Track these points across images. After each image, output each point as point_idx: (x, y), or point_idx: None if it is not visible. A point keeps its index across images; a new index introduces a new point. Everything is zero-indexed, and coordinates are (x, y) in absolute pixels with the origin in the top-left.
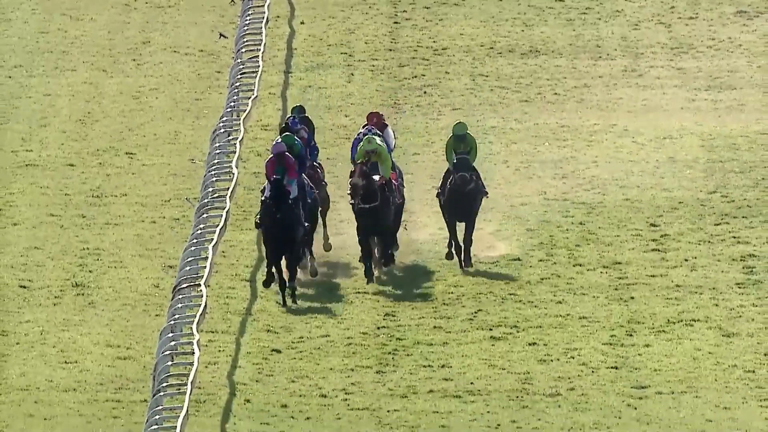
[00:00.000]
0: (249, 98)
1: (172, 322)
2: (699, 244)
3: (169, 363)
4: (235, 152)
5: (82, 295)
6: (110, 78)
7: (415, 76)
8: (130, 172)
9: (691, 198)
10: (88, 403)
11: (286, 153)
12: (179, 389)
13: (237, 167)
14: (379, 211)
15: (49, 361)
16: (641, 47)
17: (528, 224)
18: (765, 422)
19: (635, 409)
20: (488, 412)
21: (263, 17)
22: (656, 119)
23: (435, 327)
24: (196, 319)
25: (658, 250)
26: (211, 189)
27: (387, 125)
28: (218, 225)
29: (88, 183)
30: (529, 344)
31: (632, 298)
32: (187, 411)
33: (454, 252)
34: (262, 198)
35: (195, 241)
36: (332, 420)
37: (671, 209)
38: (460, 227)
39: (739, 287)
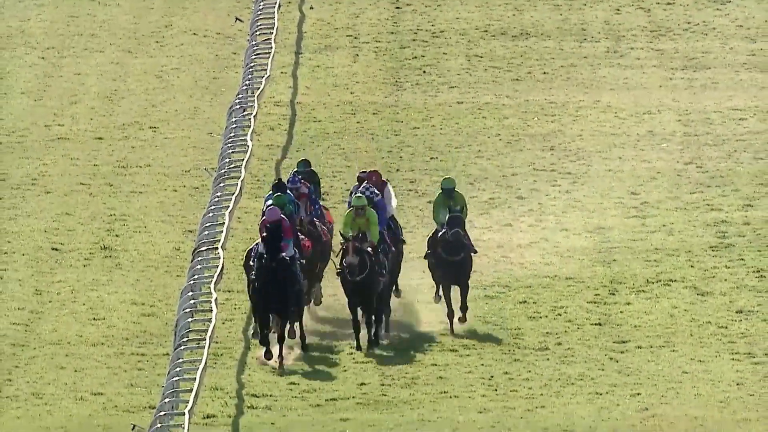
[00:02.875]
0: (263, 77)
1: (192, 282)
2: (676, 210)
3: (189, 319)
4: (250, 126)
5: (110, 257)
6: (135, 58)
7: (415, 57)
8: (153, 145)
9: (669, 168)
10: (115, 356)
11: (282, 217)
12: (198, 343)
13: (251, 140)
14: (366, 282)
15: (79, 318)
16: (623, 30)
17: (519, 192)
18: (736, 374)
19: (617, 362)
20: (482, 364)
21: (276, 3)
22: (636, 96)
23: (433, 286)
24: (214, 279)
25: (638, 217)
26: (227, 160)
27: (386, 183)
28: (234, 193)
29: (114, 155)
30: (520, 302)
31: (614, 260)
32: (206, 363)
33: (440, 296)
34: (250, 263)
35: (213, 207)
36: (339, 371)
37: (650, 179)
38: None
39: (713, 250)
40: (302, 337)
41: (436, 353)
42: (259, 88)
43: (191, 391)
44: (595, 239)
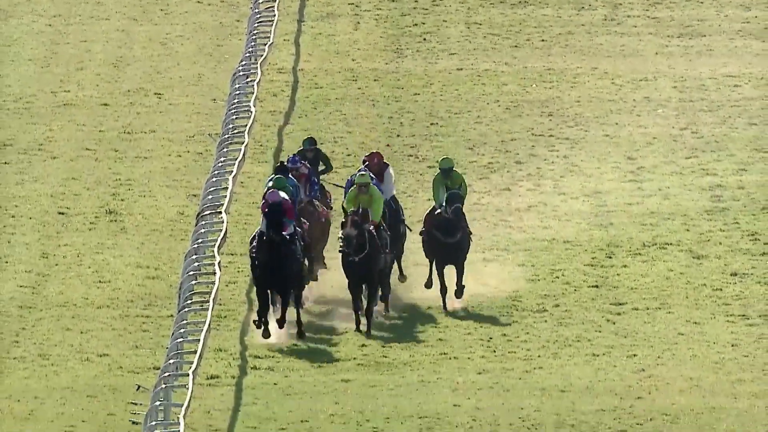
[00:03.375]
0: (266, 44)
1: (196, 246)
2: (671, 175)
3: (193, 282)
4: (253, 93)
5: (115, 221)
6: (140, 26)
7: (416, 24)
8: (158, 111)
9: (665, 134)
10: (120, 318)
11: (283, 199)
12: (202, 306)
13: (255, 106)
14: (369, 262)
15: (85, 281)
16: None
17: (517, 157)
18: (731, 335)
19: (613, 323)
20: (481, 326)
21: None
22: (633, 63)
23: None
24: (218, 243)
25: (635, 181)
26: (231, 126)
27: (388, 165)
28: (237, 158)
29: (120, 120)
30: (518, 265)
31: (611, 223)
32: (210, 325)
33: (433, 280)
34: (252, 246)
35: (216, 172)
36: (340, 334)
37: (646, 144)
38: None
39: (708, 214)
40: (299, 322)
41: (436, 315)
42: (262, 55)
43: (195, 352)
44: (593, 203)
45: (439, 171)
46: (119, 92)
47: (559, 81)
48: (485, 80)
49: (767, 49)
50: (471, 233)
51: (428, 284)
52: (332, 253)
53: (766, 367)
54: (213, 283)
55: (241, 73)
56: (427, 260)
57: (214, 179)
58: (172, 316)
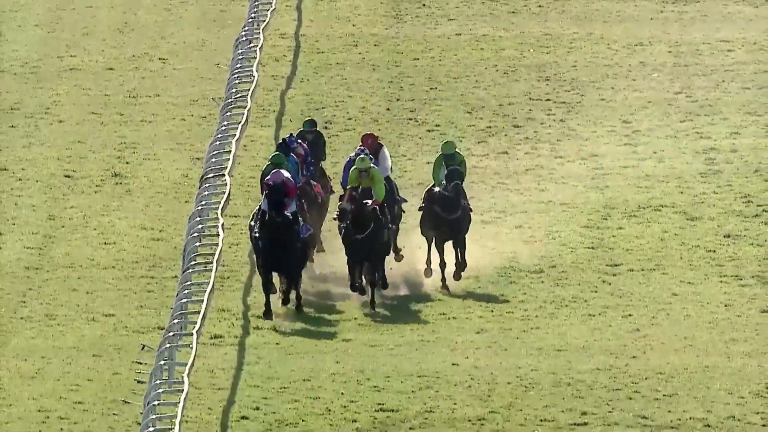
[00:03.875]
0: (268, 10)
1: (200, 208)
2: (666, 138)
3: (197, 244)
4: (255, 58)
5: (120, 184)
6: None
7: None
8: (162, 76)
9: (659, 98)
10: (125, 279)
11: (285, 179)
12: (206, 267)
13: (257, 71)
14: (371, 240)
15: (91, 242)
16: None
17: (515, 121)
18: (724, 296)
19: (609, 284)
20: (479, 287)
21: None
22: (628, 28)
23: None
24: (221, 205)
25: (630, 144)
26: (234, 90)
27: (382, 146)
28: (240, 122)
29: (125, 85)
30: (516, 227)
31: (607, 186)
32: (213, 286)
33: (433, 269)
34: (253, 222)
35: (220, 136)
36: (341, 295)
37: (642, 108)
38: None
39: (702, 177)
40: (297, 293)
41: (435, 276)
42: (264, 21)
43: (199, 312)
44: (589, 166)
45: (440, 154)
46: (124, 57)
47: (556, 46)
48: (483, 45)
49: (760, 15)
50: (471, 210)
51: (428, 273)
52: (329, 235)
53: (759, 327)
54: (216, 244)
55: (243, 39)
56: (426, 241)
57: (217, 143)
58: (176, 277)
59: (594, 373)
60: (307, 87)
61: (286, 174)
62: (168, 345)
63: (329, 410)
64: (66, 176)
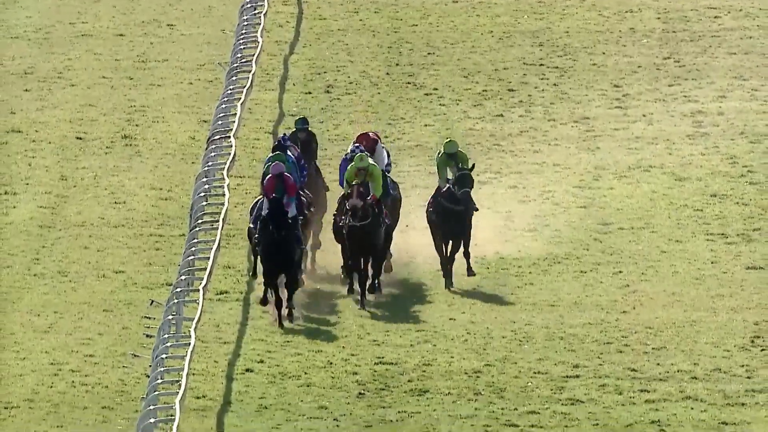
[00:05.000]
0: None
1: (206, 168)
2: (655, 102)
3: (204, 203)
4: (260, 24)
5: (130, 145)
6: None
7: None
8: (170, 41)
9: (649, 63)
10: (135, 237)
11: (285, 173)
12: (212, 225)
13: (261, 36)
14: (370, 230)
15: (102, 202)
16: None
17: (509, 85)
18: (711, 253)
19: (600, 242)
20: (475, 245)
21: None
22: None
23: (430, 173)
24: (227, 166)
25: (621, 107)
26: (239, 55)
27: (377, 141)
28: (246, 86)
29: (135, 50)
30: (510, 187)
31: (598, 148)
32: (219, 243)
33: (441, 262)
34: (253, 218)
35: (226, 99)
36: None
37: (632, 72)
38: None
39: (689, 138)
40: (290, 296)
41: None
42: None
43: (205, 269)
44: (581, 128)
45: (443, 153)
46: (134, 23)
47: (549, 12)
48: (479, 12)
49: None
50: (477, 209)
51: (447, 284)
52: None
53: (744, 283)
54: (222, 204)
55: (248, 6)
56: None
57: (223, 105)
58: (183, 235)
59: (586, 328)
60: (310, 52)
61: (284, 169)
62: (175, 300)
63: (330, 363)
64: (78, 138)
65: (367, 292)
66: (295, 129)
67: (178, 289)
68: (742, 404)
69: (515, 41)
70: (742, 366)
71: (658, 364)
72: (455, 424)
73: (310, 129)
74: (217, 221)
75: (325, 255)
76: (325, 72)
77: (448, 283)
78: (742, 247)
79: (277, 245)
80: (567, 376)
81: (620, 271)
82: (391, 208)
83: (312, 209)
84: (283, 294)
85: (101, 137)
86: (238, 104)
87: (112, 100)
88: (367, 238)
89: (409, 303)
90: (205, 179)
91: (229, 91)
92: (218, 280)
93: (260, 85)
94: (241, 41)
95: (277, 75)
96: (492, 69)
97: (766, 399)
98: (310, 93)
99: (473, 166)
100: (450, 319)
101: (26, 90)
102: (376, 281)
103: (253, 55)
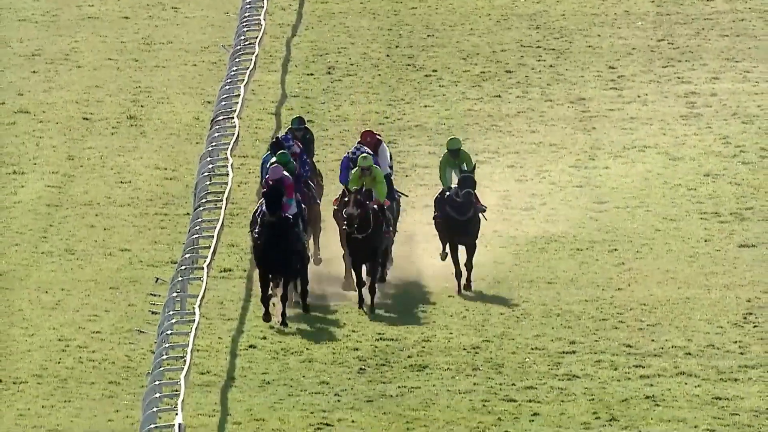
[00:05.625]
0: None
1: (210, 149)
2: (650, 83)
3: (208, 182)
4: (263, 7)
5: (135, 126)
6: None
7: None
8: (175, 23)
9: (643, 45)
10: (140, 215)
11: (285, 175)
12: (216, 204)
13: (264, 19)
14: (371, 240)
15: (108, 181)
16: None
17: (507, 67)
18: (704, 231)
19: (596, 221)
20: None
21: None
22: None
23: (430, 153)
24: (230, 146)
25: (616, 88)
26: (242, 37)
27: (381, 141)
28: (249, 68)
29: (140, 32)
30: (508, 167)
31: (594, 128)
32: (223, 222)
33: (455, 274)
34: (254, 222)
35: (229, 80)
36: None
37: (626, 54)
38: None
39: (683, 119)
40: (304, 294)
41: (431, 213)
42: None
43: (209, 247)
44: (577, 109)
45: (446, 151)
46: (139, 6)
47: None
48: None
49: None
50: (485, 209)
51: (443, 255)
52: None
53: (736, 261)
54: (226, 183)
55: None
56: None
57: (226, 87)
58: (188, 214)
59: (582, 304)
60: (312, 34)
61: (285, 171)
62: (180, 278)
63: (332, 339)
64: (84, 119)
65: (367, 293)
66: (291, 127)
67: (183, 267)
68: (735, 379)
69: (512, 24)
70: (735, 342)
71: (653, 340)
72: (454, 399)
73: (306, 127)
74: (221, 200)
75: (327, 234)
76: (326, 54)
77: (467, 287)
78: (734, 226)
79: (275, 236)
80: (563, 352)
81: (615, 249)
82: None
83: (319, 201)
84: (291, 291)
85: (107, 118)
86: (242, 85)
87: (117, 82)
88: (368, 247)
89: (408, 279)
90: (209, 159)
91: (233, 73)
92: (222, 258)
93: (263, 67)
94: (245, 24)
95: (280, 57)
96: (490, 51)
97: (759, 374)
98: (311, 74)
99: (475, 166)
100: (449, 296)
101: (34, 72)
102: (375, 286)
103: (256, 37)
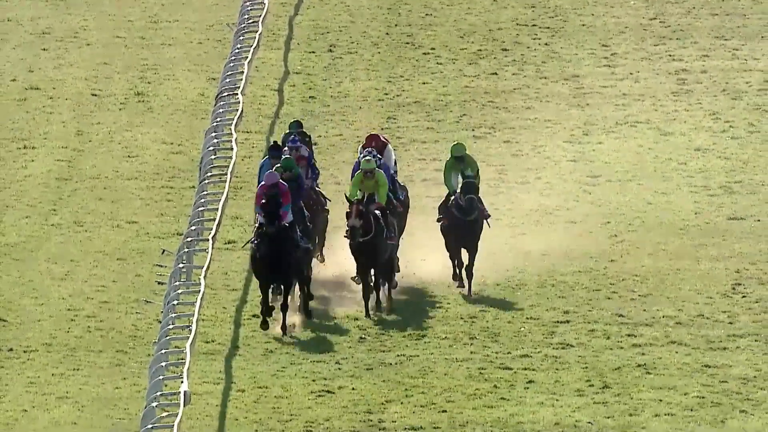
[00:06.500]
0: None
1: (215, 124)
2: (642, 60)
3: (213, 157)
4: None
5: (143, 102)
6: None
7: None
8: (181, 2)
9: (635, 23)
10: (147, 189)
11: (280, 181)
12: (221, 178)
13: None
14: (374, 244)
15: (116, 156)
16: None
17: (503, 45)
18: (694, 204)
19: (590, 194)
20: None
21: None
22: None
23: (428, 128)
24: (234, 121)
25: (609, 66)
26: (246, 16)
27: (387, 144)
28: (252, 45)
29: (147, 11)
30: (504, 142)
31: (587, 104)
32: (227, 195)
33: (459, 278)
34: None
35: (233, 58)
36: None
37: (619, 32)
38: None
39: (674, 95)
40: (308, 298)
41: (430, 186)
42: None
43: (214, 219)
44: (571, 86)
45: (451, 157)
46: None
47: None
48: None
49: None
50: (489, 216)
51: (455, 278)
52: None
53: (725, 233)
54: (230, 157)
55: None
56: (449, 255)
57: (231, 64)
58: (193, 187)
59: (575, 275)
60: (313, 13)
61: (279, 178)
62: (186, 249)
63: (332, 309)
64: (93, 95)
65: (377, 295)
66: (289, 131)
67: (189, 239)
68: (724, 348)
69: (508, 3)
70: (724, 312)
71: (645, 310)
72: (451, 367)
73: (304, 131)
74: (225, 174)
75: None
76: (327, 32)
77: (463, 287)
78: (724, 199)
79: (273, 246)
80: (558, 322)
81: (608, 222)
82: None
83: (327, 207)
84: (291, 300)
85: (115, 94)
86: (245, 63)
87: (125, 59)
88: (372, 252)
89: (407, 248)
90: (213, 134)
91: (237, 51)
92: (226, 230)
93: (266, 45)
94: (248, 3)
95: (282, 35)
96: (486, 29)
97: (747, 343)
98: (313, 52)
99: (478, 172)
100: (446, 267)
101: (44, 49)
102: (384, 297)
103: (260, 16)
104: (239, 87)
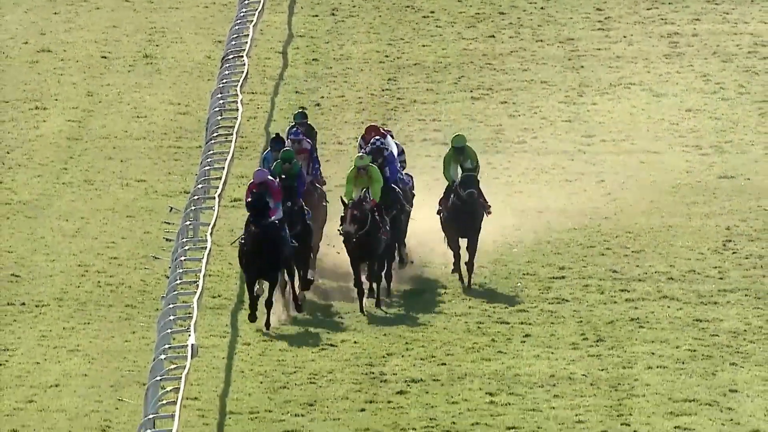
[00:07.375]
0: None
1: (221, 85)
2: (635, 24)
3: (219, 117)
4: None
5: (151, 64)
6: None
7: None
8: None
9: None
10: (155, 148)
11: (269, 179)
12: (226, 138)
13: None
14: (368, 240)
15: (125, 116)
16: None
17: (500, 8)
18: (686, 164)
19: (584, 153)
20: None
21: None
22: None
23: (427, 90)
24: (240, 83)
25: (603, 29)
26: None
27: (386, 134)
28: (258, 9)
29: None
30: (501, 102)
31: (582, 66)
32: (233, 155)
33: (459, 271)
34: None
35: (239, 21)
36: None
37: None
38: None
39: (666, 58)
40: (305, 289)
41: (430, 146)
42: None
43: (220, 178)
44: (566, 48)
45: (451, 148)
46: None
47: None
48: None
49: None
50: (489, 207)
51: (455, 271)
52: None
53: (716, 191)
54: (236, 118)
55: None
56: (450, 247)
57: (236, 27)
58: (200, 146)
59: (570, 233)
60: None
61: (268, 175)
62: (193, 207)
63: (335, 267)
64: (102, 57)
65: (377, 288)
66: (293, 122)
67: (195, 197)
68: (715, 303)
69: None
70: (715, 267)
71: (637, 266)
72: (450, 321)
73: (309, 123)
74: (231, 134)
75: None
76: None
77: (462, 281)
78: (714, 158)
79: (261, 244)
80: (553, 277)
81: (602, 180)
82: (404, 200)
83: (326, 203)
84: (276, 295)
85: (124, 56)
86: (251, 26)
87: (134, 22)
88: (365, 246)
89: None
90: (219, 95)
91: (242, 14)
92: (232, 188)
93: (271, 9)
94: None
95: None
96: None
97: (737, 298)
98: (316, 16)
99: (478, 164)
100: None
101: (55, 13)
102: (378, 293)
103: None
104: (244, 49)
